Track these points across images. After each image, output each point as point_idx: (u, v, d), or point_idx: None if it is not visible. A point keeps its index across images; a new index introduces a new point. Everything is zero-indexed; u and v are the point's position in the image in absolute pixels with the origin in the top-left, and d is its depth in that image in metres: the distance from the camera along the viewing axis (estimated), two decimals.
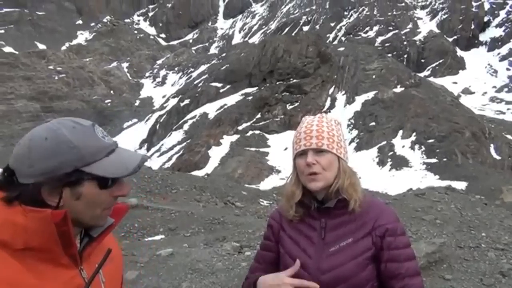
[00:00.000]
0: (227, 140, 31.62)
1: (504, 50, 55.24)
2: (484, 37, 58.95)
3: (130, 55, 71.43)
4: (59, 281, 1.06)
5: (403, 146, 27.47)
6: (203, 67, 57.65)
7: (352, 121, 32.01)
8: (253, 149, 30.31)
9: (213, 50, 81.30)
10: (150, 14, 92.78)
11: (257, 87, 37.47)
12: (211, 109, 37.03)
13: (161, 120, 42.55)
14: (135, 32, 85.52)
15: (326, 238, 1.54)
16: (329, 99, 35.90)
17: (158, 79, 64.41)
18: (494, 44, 57.03)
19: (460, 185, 20.71)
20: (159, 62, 69.31)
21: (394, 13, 63.36)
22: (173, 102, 45.56)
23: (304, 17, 71.25)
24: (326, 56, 37.94)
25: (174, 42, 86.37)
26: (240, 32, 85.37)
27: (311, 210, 1.58)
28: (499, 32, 57.89)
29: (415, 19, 62.14)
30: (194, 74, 56.77)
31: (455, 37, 58.30)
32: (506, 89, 47.81)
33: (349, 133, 30.84)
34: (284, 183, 1.69)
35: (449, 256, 6.40)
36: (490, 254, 6.65)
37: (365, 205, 1.54)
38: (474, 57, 55.51)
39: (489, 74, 52.33)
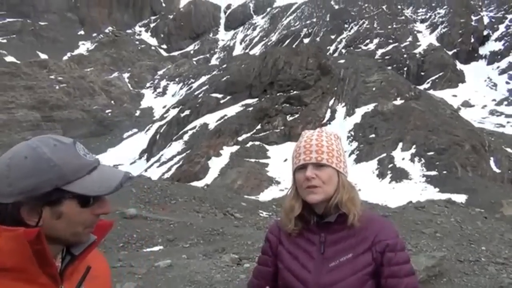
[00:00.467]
0: (227, 151, 31.61)
1: (503, 63, 55.52)
2: (483, 50, 59.31)
3: (131, 65, 71.75)
4: None
5: (403, 159, 27.45)
6: (203, 78, 57.87)
7: (352, 133, 32.04)
8: (253, 160, 30.29)
9: (214, 61, 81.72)
10: (152, 25, 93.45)
11: (257, 98, 37.58)
12: (211, 119, 37.08)
13: (161, 131, 42.58)
14: (137, 42, 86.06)
15: (325, 253, 1.54)
16: (329, 111, 35.98)
17: (158, 90, 64.62)
18: (493, 57, 57.35)
19: (460, 198, 20.64)
20: (160, 72, 69.59)
21: (394, 26, 63.82)
22: (173, 112, 45.65)
23: (305, 29, 71.75)
24: (326, 68, 38.11)
25: (175, 53, 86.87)
26: (241, 43, 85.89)
27: (310, 225, 1.58)
28: (498, 46, 58.25)
29: (415, 32, 62.58)
30: (195, 85, 56.97)
31: (455, 50, 58.65)
32: (505, 103, 47.95)
33: (349, 145, 30.84)
34: (284, 195, 1.69)
35: (449, 270, 6.36)
36: (490, 268, 6.61)
37: (364, 220, 1.53)
38: (473, 71, 55.78)
39: (488, 88, 52.53)
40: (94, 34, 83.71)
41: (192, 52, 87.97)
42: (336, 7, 76.02)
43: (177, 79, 65.41)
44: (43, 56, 69.77)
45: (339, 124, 33.59)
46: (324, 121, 34.74)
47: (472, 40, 59.58)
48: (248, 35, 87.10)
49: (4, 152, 1.08)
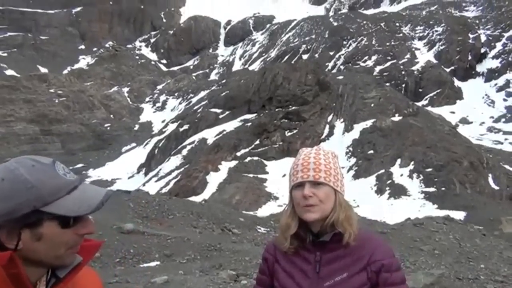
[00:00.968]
0: (225, 166, 31.57)
1: (501, 81, 55.87)
2: (481, 68, 59.73)
3: (131, 80, 72.06)
4: None
5: (402, 175, 27.44)
6: (203, 93, 58.05)
7: (351, 148, 32.07)
8: (251, 175, 30.24)
9: (213, 76, 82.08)
10: (152, 40, 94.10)
11: (256, 114, 37.68)
12: (210, 134, 37.11)
13: (160, 145, 42.56)
14: (137, 57, 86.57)
15: (321, 272, 1.54)
16: (327, 126, 36.08)
17: (158, 104, 64.77)
18: (491, 75, 57.74)
19: (459, 215, 20.58)
20: (159, 87, 69.84)
21: (392, 43, 64.36)
22: (172, 127, 45.70)
23: (304, 45, 72.28)
24: (325, 84, 38.34)
25: (175, 68, 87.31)
26: (240, 59, 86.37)
27: (306, 243, 1.58)
28: (495, 64, 58.69)
29: (413, 49, 63.07)
30: (194, 100, 57.12)
31: (452, 67, 59.05)
32: (503, 120, 48.13)
33: (347, 160, 30.83)
34: (282, 211, 1.70)
35: None
36: (489, 287, 6.57)
37: (360, 239, 1.54)
38: (471, 88, 56.08)
39: (486, 105, 52.78)
40: (95, 49, 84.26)
41: (191, 67, 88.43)
42: (335, 24, 76.74)
43: (176, 94, 65.63)
44: (44, 70, 70.11)
45: (338, 140, 33.64)
46: (323, 136, 34.81)
47: (470, 57, 60.06)
48: (247, 51, 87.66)
49: None
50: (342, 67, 61.87)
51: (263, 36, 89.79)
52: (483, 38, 62.47)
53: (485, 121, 48.34)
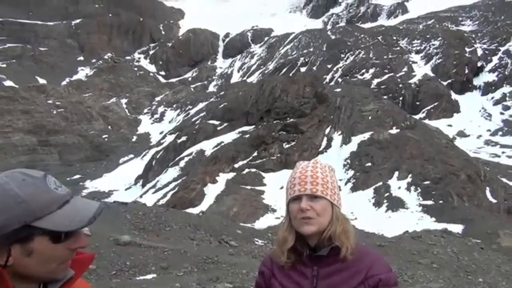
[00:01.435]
0: (223, 178, 31.50)
1: (497, 94, 56.26)
2: (477, 81, 60.17)
3: (130, 91, 72.20)
4: None
5: (399, 187, 27.41)
6: (201, 105, 58.17)
7: (348, 161, 32.07)
8: (248, 187, 30.17)
9: (211, 88, 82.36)
10: (151, 52, 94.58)
11: (254, 126, 37.74)
12: (208, 146, 37.08)
13: (158, 156, 42.48)
14: (135, 69, 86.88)
15: (318, 287, 1.53)
16: (325, 139, 36.13)
17: (156, 116, 64.81)
18: (487, 88, 58.15)
19: (457, 228, 20.54)
20: (157, 98, 69.95)
21: (390, 56, 64.84)
22: (170, 138, 45.66)
23: (302, 58, 72.73)
24: (322, 96, 38.49)
25: (174, 80, 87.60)
26: (238, 71, 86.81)
27: (303, 257, 1.58)
28: (492, 77, 59.15)
29: (410, 62, 63.53)
30: (192, 111, 57.21)
31: (449, 81, 59.44)
32: (500, 133, 48.34)
33: (345, 173, 30.82)
34: (280, 223, 1.69)
35: None
36: None
37: (357, 253, 1.53)
38: (468, 101, 56.43)
39: (483, 118, 53.04)
40: (94, 60, 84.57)
41: (190, 79, 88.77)
42: (333, 37, 77.39)
43: (174, 106, 65.73)
44: (42, 81, 70.21)
45: (336, 152, 33.67)
46: (321, 149, 34.84)
47: (466, 71, 60.51)
48: (245, 63, 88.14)
49: None
50: (340, 79, 62.21)
51: (262, 49, 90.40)
52: (479, 52, 63.05)
53: (482, 134, 48.53)
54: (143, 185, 39.17)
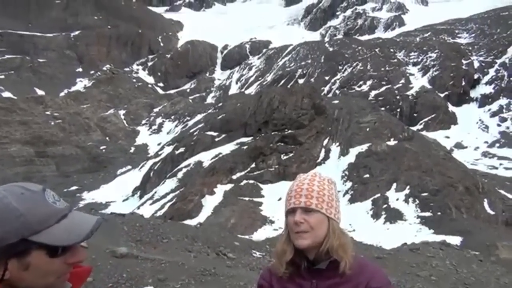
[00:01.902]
0: (221, 189, 31.40)
1: (494, 106, 56.59)
2: (474, 93, 60.54)
3: (128, 102, 72.32)
4: None
5: (397, 199, 27.37)
6: (199, 116, 58.28)
7: (346, 172, 32.06)
8: (246, 198, 30.07)
9: (209, 99, 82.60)
10: (149, 63, 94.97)
11: (252, 137, 37.75)
12: (206, 157, 37.04)
13: (155, 168, 42.38)
14: (134, 80, 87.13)
15: None
16: (323, 150, 36.14)
17: (154, 127, 64.84)
18: (484, 100, 58.49)
19: (455, 240, 20.46)
20: (156, 110, 70.05)
21: (387, 68, 65.27)
22: (168, 149, 45.63)
23: (300, 70, 73.11)
24: (320, 108, 38.61)
25: (172, 91, 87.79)
26: (236, 83, 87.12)
27: (302, 270, 1.57)
28: (489, 89, 59.55)
29: (407, 74, 63.95)
30: (190, 123, 57.28)
31: (447, 93, 59.80)
32: (497, 145, 48.49)
33: (343, 184, 30.79)
34: (277, 235, 1.69)
35: None
36: None
37: (356, 266, 1.53)
38: (465, 113, 56.72)
39: (480, 130, 53.27)
40: (92, 72, 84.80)
41: (188, 90, 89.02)
42: (331, 49, 77.89)
43: (172, 117, 65.81)
44: (41, 92, 70.28)
45: (334, 163, 33.66)
46: (319, 160, 34.83)
47: (463, 83, 60.93)
48: (244, 75, 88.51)
49: None
50: (337, 91, 62.51)
51: (260, 61, 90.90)
52: (476, 64, 63.55)
53: (480, 146, 48.69)
54: (141, 197, 39.02)
